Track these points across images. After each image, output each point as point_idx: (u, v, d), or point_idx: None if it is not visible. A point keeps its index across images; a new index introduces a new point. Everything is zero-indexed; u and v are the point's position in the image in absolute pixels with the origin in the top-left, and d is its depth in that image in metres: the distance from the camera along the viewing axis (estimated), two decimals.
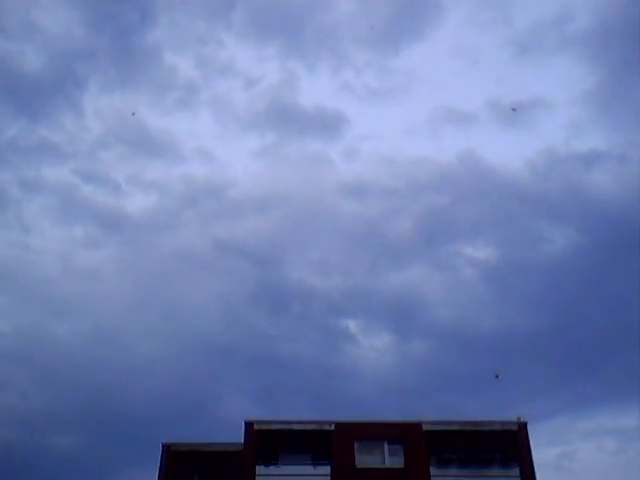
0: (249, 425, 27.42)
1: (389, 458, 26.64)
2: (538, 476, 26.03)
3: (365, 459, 26.59)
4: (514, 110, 47.31)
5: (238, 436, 27.48)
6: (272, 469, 26.73)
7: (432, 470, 26.18)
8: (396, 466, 26.32)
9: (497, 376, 33.09)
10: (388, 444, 26.91)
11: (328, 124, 33.68)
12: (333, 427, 27.29)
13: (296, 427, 27.52)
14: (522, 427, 27.12)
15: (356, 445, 26.81)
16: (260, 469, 26.49)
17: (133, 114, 52.36)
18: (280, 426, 27.60)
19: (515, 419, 27.53)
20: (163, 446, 27.90)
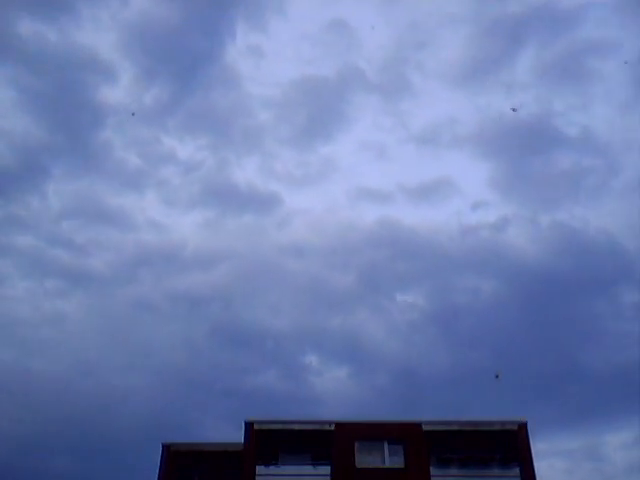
0: (249, 425, 27.42)
1: (389, 458, 26.64)
2: (538, 476, 26.07)
3: (365, 459, 26.59)
4: (514, 110, 47.10)
5: (237, 438, 27.54)
6: (272, 469, 26.73)
7: (432, 470, 26.18)
8: (396, 466, 26.32)
9: (497, 376, 33.10)
10: (388, 444, 26.91)
11: (261, 202, 36.38)
12: (333, 427, 27.29)
13: (296, 427, 27.52)
14: (522, 427, 27.11)
15: (356, 445, 26.80)
16: (260, 469, 26.48)
17: (133, 114, 51.99)
18: (280, 426, 27.60)
19: (515, 419, 27.57)
20: (163, 446, 27.88)
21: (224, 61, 37.00)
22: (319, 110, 40.52)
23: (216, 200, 38.26)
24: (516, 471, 26.26)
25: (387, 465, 26.48)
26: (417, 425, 27.26)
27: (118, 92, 35.94)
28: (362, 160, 40.39)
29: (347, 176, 40.31)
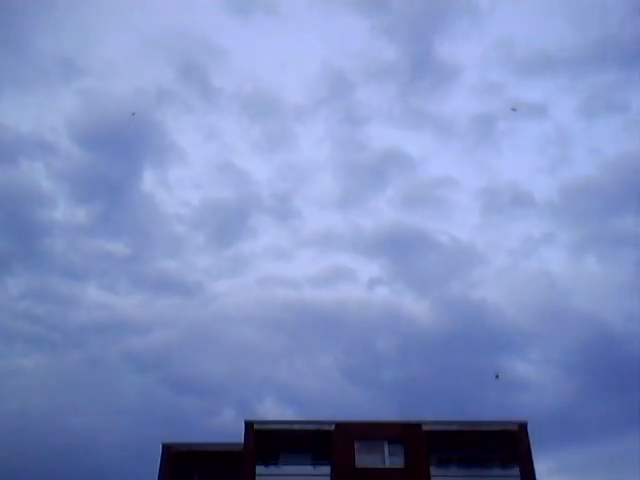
0: (249, 425, 27.41)
1: (389, 458, 26.64)
2: (538, 476, 26.07)
3: (365, 459, 26.59)
4: (514, 110, 47.08)
5: (237, 438, 27.55)
6: (272, 469, 26.74)
7: (432, 470, 26.17)
8: (396, 466, 26.32)
9: (497, 376, 33.12)
10: (388, 444, 26.90)
11: (187, 288, 38.76)
12: (333, 427, 27.28)
13: (296, 427, 27.54)
14: (522, 427, 27.10)
15: (356, 445, 26.80)
16: (260, 469, 26.48)
17: (133, 114, 51.55)
18: (280, 426, 27.62)
19: (515, 419, 27.57)
20: (163, 446, 27.86)
21: (142, 190, 42.25)
22: (226, 223, 45.73)
23: (147, 286, 41.14)
24: (516, 471, 26.24)
25: (387, 465, 26.48)
26: (417, 425, 27.25)
27: (59, 211, 40.24)
28: (268, 258, 43.48)
29: (257, 269, 43.42)
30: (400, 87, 44.97)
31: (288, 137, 43.83)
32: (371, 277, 45.43)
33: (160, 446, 27.91)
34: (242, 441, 27.17)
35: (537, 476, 25.97)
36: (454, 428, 27.33)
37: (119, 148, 41.82)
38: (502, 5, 43.73)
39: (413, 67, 43.71)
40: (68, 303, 40.82)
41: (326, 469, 26.42)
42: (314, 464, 26.94)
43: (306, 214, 44.69)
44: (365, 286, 45.31)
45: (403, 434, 27.00)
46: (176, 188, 44.61)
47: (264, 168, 45.93)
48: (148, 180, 43.16)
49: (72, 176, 43.43)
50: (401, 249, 43.77)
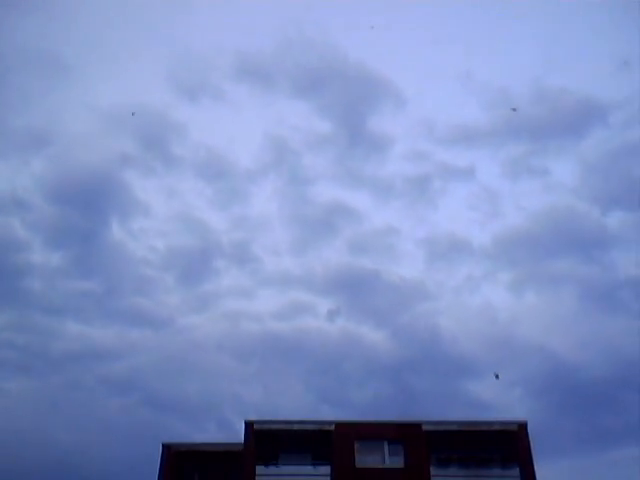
0: (249, 425, 27.43)
1: (389, 458, 26.65)
2: (538, 476, 26.05)
3: (365, 459, 26.59)
4: (514, 110, 47.48)
5: (238, 438, 27.56)
6: (272, 469, 26.74)
7: (432, 470, 26.17)
8: (396, 466, 26.31)
9: (497, 376, 33.12)
10: (388, 444, 26.91)
11: (158, 322, 45.72)
12: (333, 427, 27.29)
13: (296, 427, 27.52)
14: (522, 427, 27.09)
15: (356, 445, 26.80)
16: (260, 469, 26.49)
17: (133, 114, 52.24)
18: (280, 426, 27.60)
19: (515, 419, 27.58)
20: (163, 446, 27.85)
21: (111, 238, 48.13)
22: (191, 266, 49.82)
23: (121, 320, 46.97)
24: (516, 471, 26.23)
25: (387, 465, 26.48)
26: (417, 425, 27.26)
27: (36, 256, 47.57)
28: (232, 296, 46.07)
29: (222, 306, 47.08)
30: (339, 154, 51.28)
31: (241, 195, 49.30)
32: (329, 310, 47.52)
33: (160, 446, 27.94)
34: (242, 441, 27.21)
35: (537, 476, 25.99)
36: (454, 428, 27.33)
37: (88, 203, 47.68)
38: (422, 89, 51.24)
39: (349, 138, 49.54)
40: (48, 334, 43.81)
41: (326, 469, 26.43)
42: (314, 464, 26.95)
43: (264, 259, 49.73)
44: (324, 318, 47.65)
45: (403, 434, 27.00)
46: (142, 236, 48.70)
47: (221, 220, 50.35)
48: (116, 229, 47.91)
49: (46, 227, 48.81)
50: (355, 287, 48.32)
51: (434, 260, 47.54)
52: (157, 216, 50.95)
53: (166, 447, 27.84)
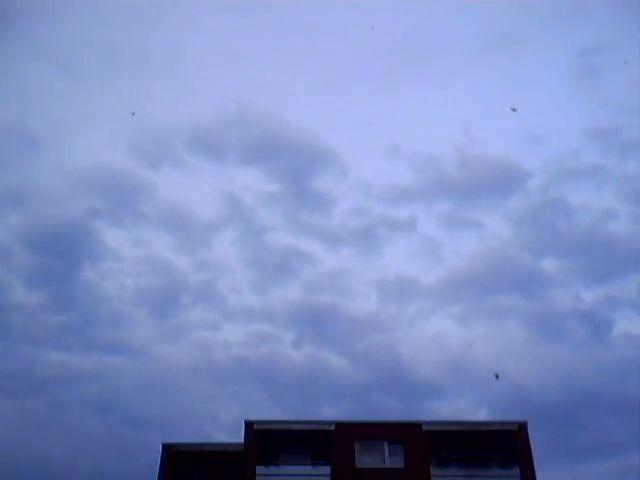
0: (249, 425, 27.43)
1: (389, 458, 26.65)
2: (538, 476, 26.06)
3: (365, 459, 26.60)
4: (514, 110, 47.71)
5: (237, 438, 27.58)
6: (272, 469, 26.74)
7: (432, 470, 26.17)
8: (396, 466, 26.32)
9: (497, 376, 33.13)
10: (388, 444, 26.91)
11: (131, 350, 49.23)
12: (333, 427, 27.30)
13: (296, 427, 27.54)
14: (522, 427, 27.10)
15: (356, 445, 26.81)
16: (260, 469, 26.49)
17: (133, 114, 53.34)
18: (280, 426, 27.63)
19: (515, 419, 27.60)
20: (163, 446, 27.85)
21: (85, 278, 52.43)
22: (161, 303, 53.32)
23: (98, 349, 51.00)
24: (516, 471, 26.23)
25: (387, 465, 26.49)
26: (417, 425, 27.27)
27: (16, 295, 50.54)
28: (200, 328, 53.62)
29: (192, 336, 52.55)
30: (289, 209, 56.31)
31: (203, 242, 55.01)
32: (292, 339, 51.10)
33: (160, 446, 27.96)
34: (242, 441, 27.22)
35: (537, 476, 26.00)
36: (454, 428, 27.34)
37: (62, 249, 51.27)
38: (360, 157, 58.15)
39: (296, 196, 55.62)
40: (31, 361, 46.64)
41: (326, 469, 26.43)
42: (314, 464, 26.96)
43: (227, 296, 55.92)
44: (289, 346, 50.84)
45: (403, 434, 27.01)
46: (114, 277, 55.27)
47: (186, 264, 55.91)
48: (89, 271, 53.83)
49: (25, 270, 52.59)
50: (315, 319, 53.00)
51: (386, 297, 53.63)
52: (127, 260, 55.84)
53: (166, 447, 27.83)
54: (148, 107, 58.37)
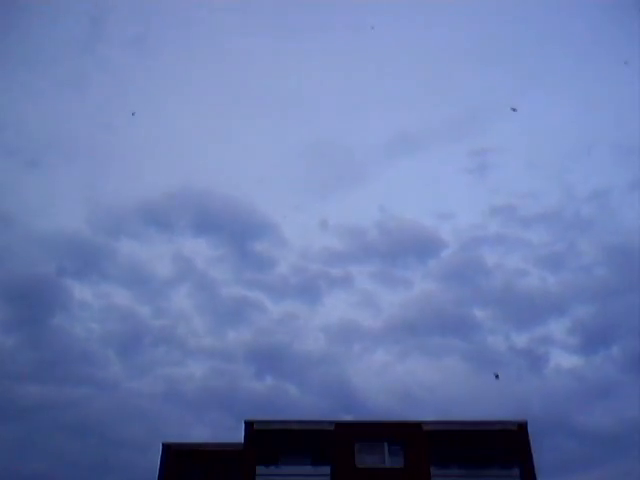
0: (249, 425, 27.46)
1: (389, 458, 26.67)
2: (538, 476, 26.07)
3: (365, 459, 26.62)
4: (514, 110, 48.12)
5: (236, 439, 27.64)
6: (272, 469, 26.74)
7: (432, 470, 26.19)
8: (396, 466, 26.34)
9: (497, 376, 33.21)
10: (388, 444, 26.93)
11: (104, 385, 54.29)
12: (333, 427, 27.31)
13: (296, 427, 27.54)
14: (522, 427, 27.13)
15: (356, 445, 26.83)
16: (260, 469, 26.50)
17: (133, 114, 54.36)
18: (280, 426, 27.61)
19: (515, 419, 27.61)
20: (163, 446, 27.90)
21: (54, 323, 56.77)
22: (127, 344, 57.31)
23: (72, 383, 54.79)
24: (516, 471, 26.24)
25: (387, 465, 26.50)
26: (417, 425, 27.29)
27: None
28: (165, 365, 56.45)
29: (159, 372, 55.99)
30: (236, 268, 63.22)
31: (162, 295, 60.31)
32: (252, 373, 57.76)
33: (160, 446, 28.00)
34: (242, 441, 27.24)
35: (537, 476, 26.02)
36: (454, 428, 27.35)
37: (36, 300, 56.05)
38: (294, 228, 67.40)
39: (241, 258, 62.89)
40: (9, 392, 50.06)
41: (326, 469, 26.44)
42: (314, 464, 26.93)
43: (188, 338, 58.81)
44: (250, 378, 57.40)
45: (403, 434, 27.03)
46: (82, 322, 58.78)
47: (148, 312, 60.11)
48: (59, 317, 57.45)
49: (1, 316, 56.17)
50: (271, 356, 56.09)
51: (333, 339, 58.38)
52: (93, 309, 60.91)
53: (166, 447, 27.88)
54: (106, 188, 67.20)
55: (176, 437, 27.47)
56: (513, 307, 54.16)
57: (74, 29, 67.82)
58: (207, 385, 52.62)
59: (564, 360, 53.40)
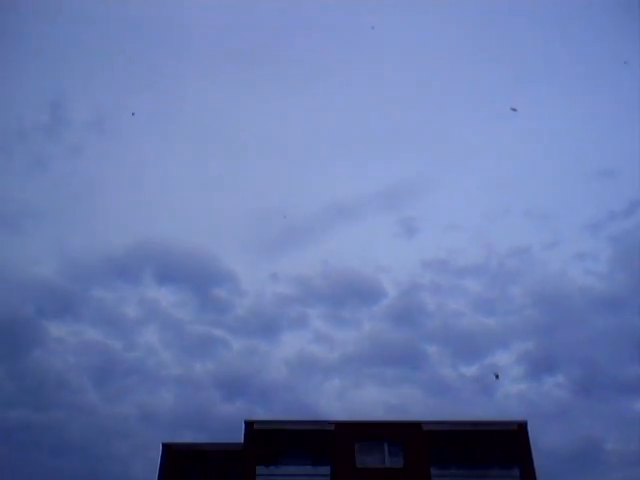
0: (249, 425, 27.47)
1: (389, 458, 26.67)
2: (538, 476, 26.07)
3: (365, 459, 26.63)
4: (514, 110, 48.15)
5: (237, 438, 27.66)
6: (272, 469, 26.74)
7: (432, 470, 26.19)
8: (396, 466, 26.34)
9: (497, 376, 33.23)
10: (388, 444, 26.94)
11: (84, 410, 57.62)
12: (333, 427, 27.32)
13: (296, 427, 27.56)
14: (522, 427, 27.13)
15: (356, 445, 26.83)
16: (260, 469, 26.50)
17: (133, 114, 54.80)
18: (280, 426, 27.63)
19: (515, 419, 27.62)
20: (163, 446, 27.92)
21: (33, 356, 60.40)
22: (102, 372, 60.70)
23: (54, 410, 58.18)
24: (516, 471, 26.24)
25: (387, 465, 26.50)
26: (417, 425, 27.28)
27: None
28: (139, 392, 60.47)
29: (134, 397, 59.77)
30: (196, 310, 66.68)
31: (131, 331, 63.07)
32: (221, 398, 60.26)
33: (160, 446, 28.01)
34: (242, 441, 27.24)
35: (537, 476, 26.01)
36: (454, 428, 27.35)
37: (14, 336, 58.52)
38: (247, 278, 72.23)
39: (202, 302, 66.98)
40: None
41: (326, 469, 26.44)
42: (314, 464, 26.93)
43: (158, 369, 61.68)
44: (221, 402, 60.16)
45: (403, 434, 27.03)
46: (59, 355, 62.30)
47: (119, 345, 63.90)
48: (37, 352, 61.21)
49: None
50: (237, 383, 58.81)
51: (294, 369, 62.16)
52: (69, 343, 64.54)
53: (166, 447, 27.91)
54: (75, 244, 72.27)
55: (156, 451, 28.44)
56: (458, 343, 59.02)
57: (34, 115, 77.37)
58: (179, 409, 56.40)
59: (513, 387, 55.79)
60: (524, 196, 71.88)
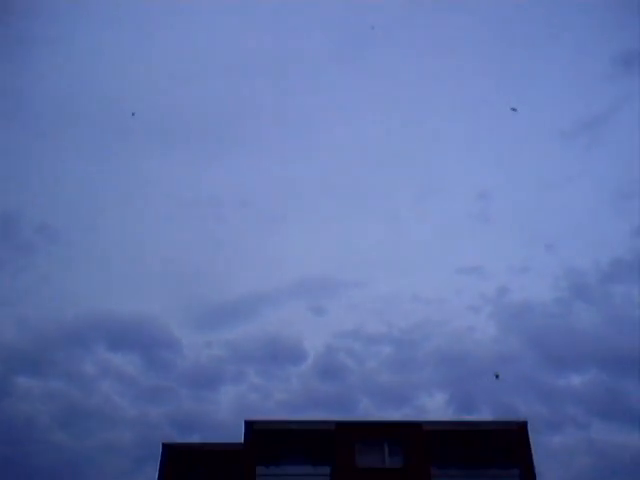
0: (249, 425, 27.45)
1: (389, 458, 26.67)
2: (538, 476, 26.09)
3: (365, 459, 26.61)
4: (514, 110, 48.13)
5: (237, 437, 27.66)
6: (272, 469, 26.73)
7: (432, 470, 26.19)
8: (396, 466, 26.35)
9: (497, 376, 33.17)
10: (388, 444, 26.94)
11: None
12: (333, 427, 27.31)
13: (296, 427, 27.55)
14: (522, 427, 27.14)
15: (356, 445, 26.82)
16: (260, 469, 26.48)
17: (133, 114, 54.47)
18: (280, 426, 27.63)
19: (515, 419, 27.63)
20: (163, 446, 27.90)
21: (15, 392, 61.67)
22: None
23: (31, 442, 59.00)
24: (516, 471, 26.26)
25: (387, 465, 26.49)
26: (417, 425, 27.29)
27: None
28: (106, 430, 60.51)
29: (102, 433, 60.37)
30: (145, 366, 67.13)
31: (91, 383, 63.90)
32: (176, 435, 58.75)
33: (160, 446, 28.00)
34: (242, 441, 27.23)
35: (537, 476, 26.03)
36: (454, 428, 27.38)
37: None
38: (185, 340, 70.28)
39: (148, 364, 66.64)
40: None
41: (326, 469, 26.44)
42: (314, 464, 26.93)
43: (116, 412, 62.42)
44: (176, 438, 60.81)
45: (403, 434, 27.03)
46: (27, 402, 62.00)
47: (79, 394, 63.41)
48: (6, 402, 60.15)
49: None
50: (191, 423, 59.05)
51: (235, 415, 61.02)
52: (35, 393, 63.27)
53: (166, 447, 27.89)
54: (31, 315, 70.69)
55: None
56: (384, 393, 60.63)
57: None
58: (138, 444, 56.78)
59: None
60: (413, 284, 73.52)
